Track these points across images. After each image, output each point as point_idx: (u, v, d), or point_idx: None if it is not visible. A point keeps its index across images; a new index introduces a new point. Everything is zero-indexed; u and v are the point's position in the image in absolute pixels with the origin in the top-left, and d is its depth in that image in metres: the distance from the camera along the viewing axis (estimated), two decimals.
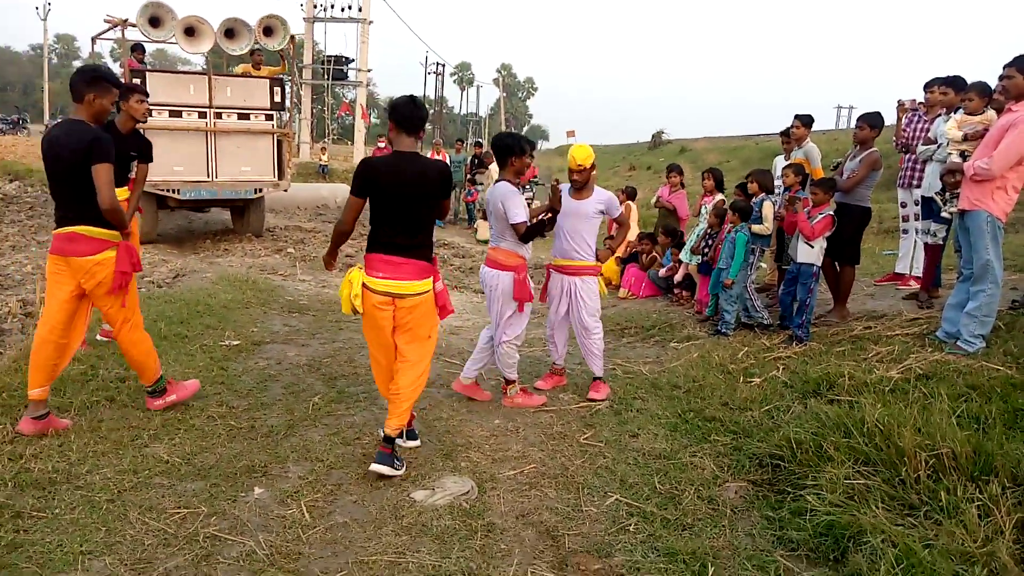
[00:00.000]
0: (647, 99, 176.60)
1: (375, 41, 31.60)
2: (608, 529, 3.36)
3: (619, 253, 8.67)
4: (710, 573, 2.97)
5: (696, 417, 4.58)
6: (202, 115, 10.79)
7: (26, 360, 4.10)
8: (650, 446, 4.23)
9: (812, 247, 5.78)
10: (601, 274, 5.21)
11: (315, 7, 27.51)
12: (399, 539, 3.17)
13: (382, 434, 3.81)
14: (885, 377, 4.53)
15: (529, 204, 16.02)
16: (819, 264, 5.83)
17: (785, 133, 7.51)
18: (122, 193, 5.23)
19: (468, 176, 15.50)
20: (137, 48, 11.48)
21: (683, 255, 7.77)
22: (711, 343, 6.09)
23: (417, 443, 4.15)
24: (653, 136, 40.09)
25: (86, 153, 3.73)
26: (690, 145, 34.86)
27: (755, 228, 6.28)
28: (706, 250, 7.05)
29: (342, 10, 27.28)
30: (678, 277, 7.86)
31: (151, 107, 10.44)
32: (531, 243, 4.72)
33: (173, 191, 10.14)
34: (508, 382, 4.96)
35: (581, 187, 4.99)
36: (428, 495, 3.57)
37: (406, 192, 3.64)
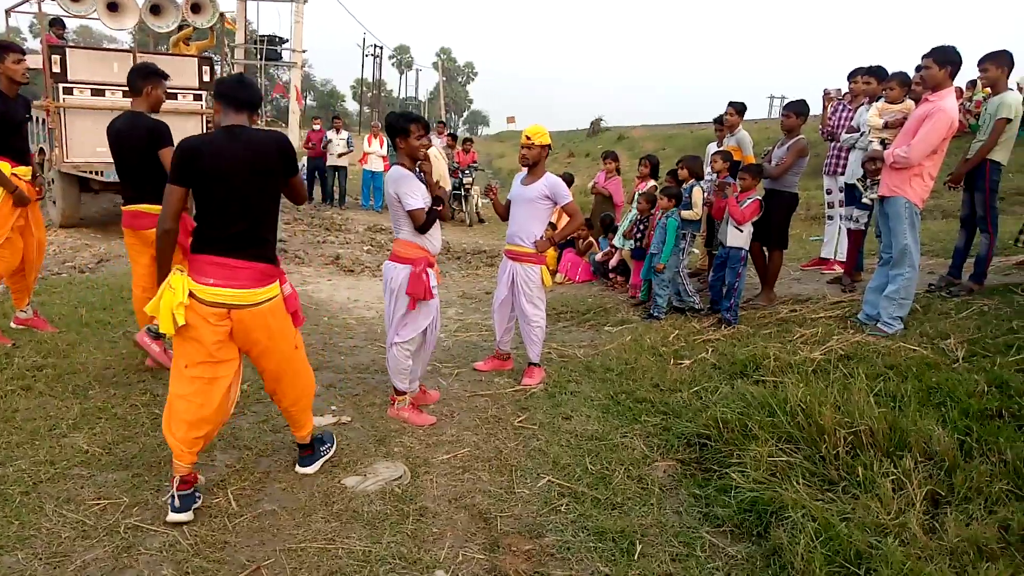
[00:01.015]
0: (587, 87, 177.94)
1: (310, 21, 30.95)
2: (540, 510, 3.39)
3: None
4: (638, 550, 3.04)
5: (628, 399, 4.65)
6: (126, 94, 10.37)
7: None
8: (583, 428, 4.28)
9: (741, 231, 5.92)
10: (546, 264, 5.09)
11: None
12: (329, 526, 3.14)
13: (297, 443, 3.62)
14: (808, 358, 4.68)
15: (468, 189, 15.86)
16: (747, 248, 5.98)
17: (718, 121, 7.65)
18: (24, 172, 5.02)
19: None
20: (56, 23, 10.98)
21: (616, 240, 7.86)
22: (644, 327, 6.19)
23: (312, 469, 3.61)
24: (592, 123, 40.32)
25: (149, 141, 4.40)
26: (628, 133, 35.15)
27: (685, 214, 6.39)
28: (638, 235, 7.15)
29: None
30: (613, 262, 7.95)
31: (72, 85, 10.02)
32: (438, 234, 4.28)
33: (96, 173, 9.74)
34: (397, 392, 4.41)
35: (531, 167, 4.91)
36: (359, 481, 3.54)
37: (236, 172, 2.96)
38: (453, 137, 16.40)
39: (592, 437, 4.15)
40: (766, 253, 6.39)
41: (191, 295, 2.98)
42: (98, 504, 3.16)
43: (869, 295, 5.36)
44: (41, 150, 10.82)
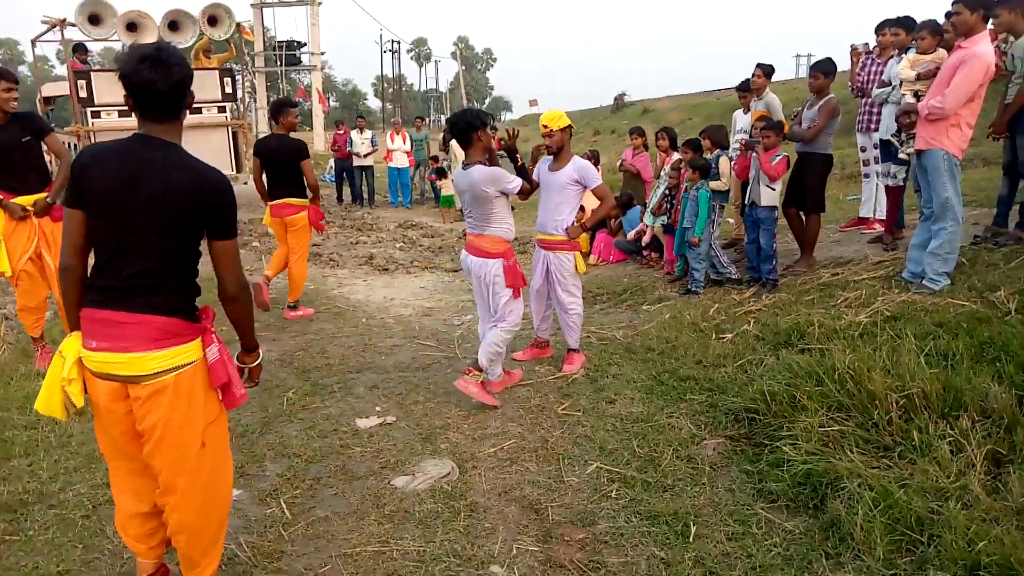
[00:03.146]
0: (608, 62, 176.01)
1: (327, 23, 31.08)
2: (590, 497, 3.37)
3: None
4: (693, 532, 3.01)
5: (671, 378, 4.60)
6: None
7: None
8: (627, 411, 4.24)
9: (773, 189, 5.82)
10: (580, 250, 5.06)
11: None
12: (382, 528, 3.16)
13: None
14: (854, 322, 4.57)
15: None
16: (779, 207, 5.89)
17: (741, 87, 7.48)
18: (25, 201, 4.81)
19: (431, 155, 15.36)
20: (79, 48, 11.19)
21: (646, 217, 7.77)
22: (682, 303, 6.11)
23: None
24: (616, 98, 39.93)
25: (296, 155, 6.24)
26: (652, 105, 34.76)
27: (713, 184, 6.28)
28: (668, 210, 7.06)
29: None
30: (646, 239, 7.86)
31: (99, 108, 10.23)
32: (513, 221, 4.53)
33: None
34: (476, 368, 4.48)
35: (556, 154, 4.87)
36: (408, 481, 3.56)
37: (132, 195, 2.17)
38: None
39: (638, 419, 4.11)
40: (803, 218, 6.26)
41: (83, 366, 2.25)
42: None
43: (912, 252, 5.21)
44: None
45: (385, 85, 61.77)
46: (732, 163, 6.42)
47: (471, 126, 4.31)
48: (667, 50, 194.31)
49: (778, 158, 5.79)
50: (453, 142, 14.12)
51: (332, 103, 67.25)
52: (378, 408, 4.52)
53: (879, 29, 6.66)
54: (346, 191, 15.57)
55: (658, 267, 7.60)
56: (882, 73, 6.50)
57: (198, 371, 2.32)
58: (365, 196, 15.30)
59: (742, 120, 7.37)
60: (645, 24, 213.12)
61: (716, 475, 3.50)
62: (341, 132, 15.19)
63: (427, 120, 18.20)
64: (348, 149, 14.71)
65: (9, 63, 78.41)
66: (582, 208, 5.09)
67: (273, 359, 5.44)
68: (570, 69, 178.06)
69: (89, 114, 10.16)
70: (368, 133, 15.27)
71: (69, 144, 11.03)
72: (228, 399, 2.44)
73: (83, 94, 10.13)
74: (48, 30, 10.62)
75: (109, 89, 10.31)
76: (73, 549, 3.00)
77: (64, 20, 10.17)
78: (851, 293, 5.20)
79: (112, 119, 10.27)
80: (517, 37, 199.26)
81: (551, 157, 4.94)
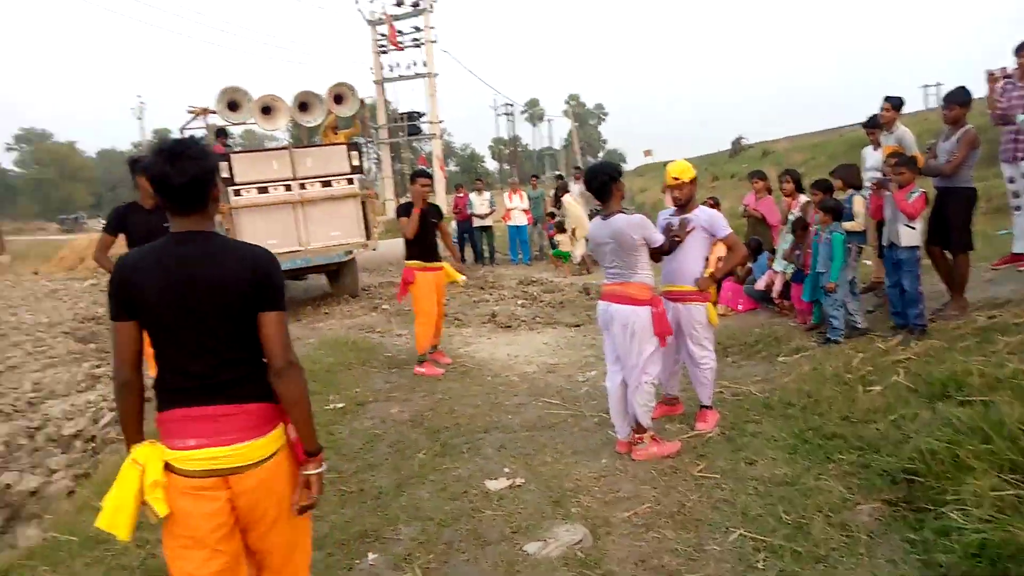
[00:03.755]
0: (722, 106, 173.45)
1: (444, 92, 32.47)
2: (735, 568, 3.18)
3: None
4: None
5: (816, 436, 4.31)
6: (288, 188, 11.25)
7: None
8: (770, 472, 4.00)
9: (914, 228, 5.46)
10: (711, 301, 4.91)
11: (383, 69, 28.55)
12: None
13: None
14: (1019, 370, 4.15)
15: None
16: (921, 246, 5.52)
17: (870, 124, 7.12)
18: None
19: (548, 210, 15.54)
20: (221, 133, 12.17)
21: (776, 263, 7.46)
22: (822, 353, 5.77)
23: None
24: (733, 143, 39.19)
25: (438, 217, 6.88)
26: (772, 147, 33.82)
27: (848, 225, 5.96)
28: (798, 255, 6.75)
29: (408, 67, 28.21)
30: (777, 287, 7.54)
31: (240, 186, 11.03)
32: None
33: None
34: (640, 430, 4.48)
35: (683, 205, 4.81)
36: (540, 547, 3.48)
37: (189, 297, 2.16)
38: None
39: (782, 482, 3.86)
40: (949, 257, 5.82)
41: (168, 469, 2.18)
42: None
43: None
44: None
45: (501, 147, 63.56)
46: (866, 202, 6.08)
47: (611, 178, 4.39)
48: (784, 90, 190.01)
49: (915, 195, 5.44)
50: (566, 197, 14.24)
51: (452, 167, 69.77)
52: (507, 469, 4.48)
53: (1019, 51, 6.21)
54: (468, 252, 15.96)
55: (792, 315, 7.25)
56: None
57: (286, 453, 2.33)
58: (486, 255, 15.61)
59: (872, 157, 7.02)
60: (759, 66, 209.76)
61: (874, 545, 3.21)
62: (461, 195, 15.66)
63: (541, 178, 18.45)
64: (468, 211, 15.12)
65: None
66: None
67: (405, 419, 5.54)
68: (683, 116, 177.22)
69: (231, 192, 10.95)
70: (486, 194, 15.66)
71: (215, 221, 11.91)
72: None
73: (225, 175, 10.96)
74: (194, 118, 11.62)
75: (248, 169, 11.11)
76: None
77: (206, 108, 11.10)
78: (1013, 337, 4.77)
79: (252, 195, 11.01)
80: (627, 89, 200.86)
81: (675, 208, 4.86)
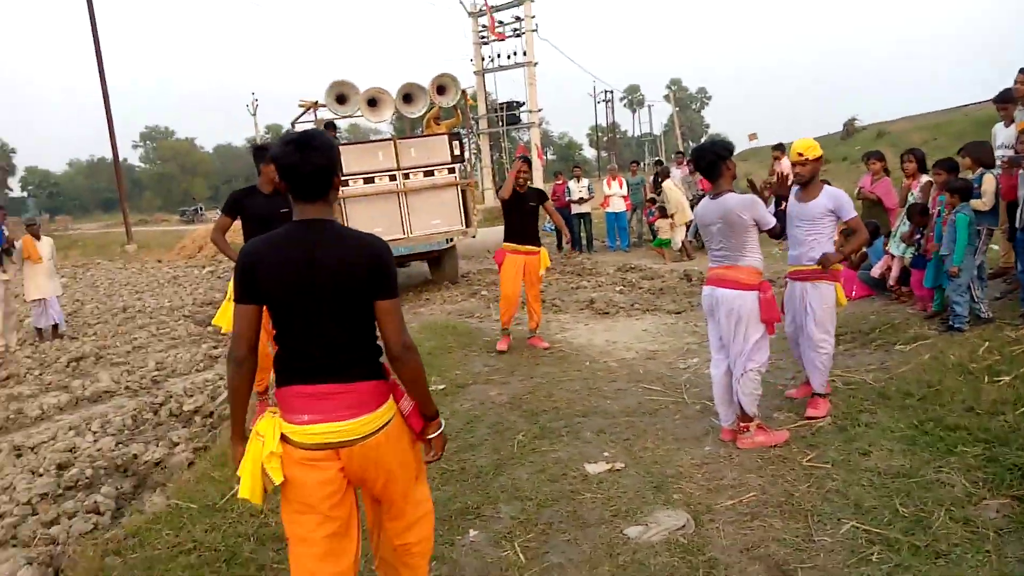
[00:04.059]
0: (833, 87, 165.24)
1: (543, 80, 32.49)
2: (847, 560, 3.03)
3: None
4: None
5: (937, 427, 4.05)
6: (392, 178, 11.54)
7: None
8: (885, 464, 3.79)
9: None
10: (840, 282, 4.75)
11: (483, 59, 28.78)
12: None
13: None
14: None
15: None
16: None
17: (999, 99, 6.58)
18: None
19: (648, 196, 15.29)
20: (330, 126, 12.58)
21: (892, 247, 7.05)
22: (943, 341, 5.43)
23: None
24: (845, 124, 37.34)
25: (539, 200, 7.14)
26: (888, 128, 32.05)
27: (975, 204, 5.56)
28: (919, 239, 6.36)
29: (508, 57, 28.32)
30: (894, 272, 7.13)
31: (347, 177, 11.40)
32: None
33: None
34: (746, 418, 4.34)
35: (806, 183, 4.66)
36: (642, 531, 3.43)
37: (309, 282, 2.29)
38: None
39: (898, 474, 3.65)
40: None
41: (284, 440, 2.32)
42: None
43: None
44: None
45: (599, 134, 63.00)
46: (997, 181, 5.65)
47: (720, 156, 4.26)
48: (900, 68, 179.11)
49: None
50: (666, 183, 13.96)
51: (550, 156, 69.73)
52: (606, 453, 4.45)
53: None
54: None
55: (911, 303, 6.84)
56: None
57: (398, 423, 2.44)
58: (584, 242, 15.53)
59: (1003, 134, 6.50)
60: (871, 44, 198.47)
61: (1002, 542, 2.99)
62: (559, 183, 15.63)
63: (641, 164, 18.15)
64: (567, 198, 15.08)
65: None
66: None
67: (504, 402, 5.59)
68: (791, 98, 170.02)
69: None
70: (585, 181, 15.56)
71: None
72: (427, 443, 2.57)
73: None
74: (304, 112, 12.07)
75: (354, 160, 11.46)
76: None
77: (316, 102, 11.50)
78: None
79: (359, 186, 11.36)
80: (731, 73, 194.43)
81: (799, 187, 4.71)
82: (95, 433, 5.77)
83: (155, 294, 15.01)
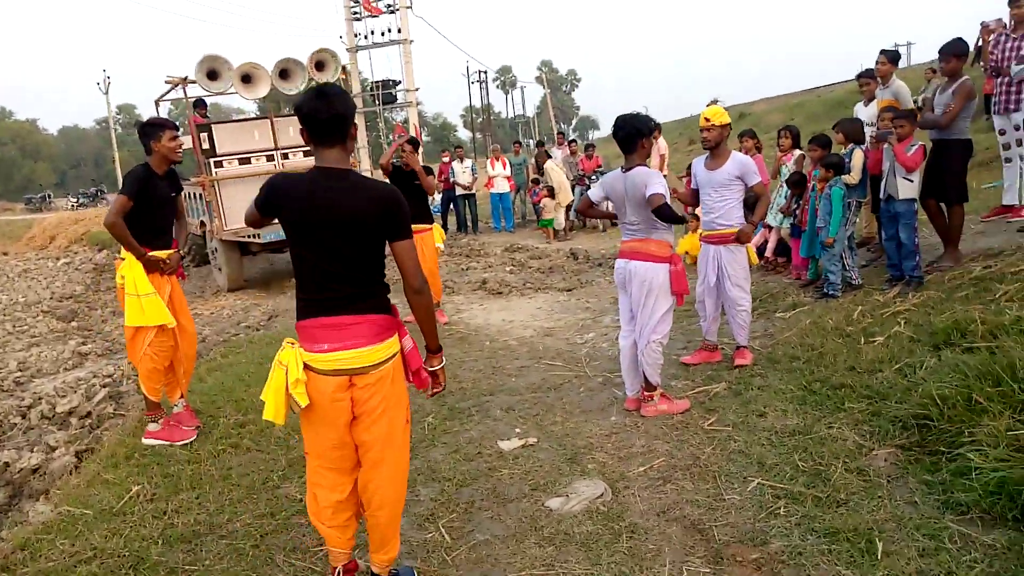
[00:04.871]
0: (697, 70, 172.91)
1: (418, 59, 31.90)
2: (757, 515, 3.21)
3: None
4: (880, 549, 2.80)
5: (824, 387, 4.36)
6: (270, 158, 11.08)
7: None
8: (781, 423, 4.04)
9: (911, 181, 5.50)
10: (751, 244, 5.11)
11: (356, 36, 27.96)
12: (544, 551, 3.10)
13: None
14: (1021, 316, 4.21)
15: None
16: (917, 199, 5.57)
17: (865, 75, 7.07)
18: (162, 254, 4.62)
19: (532, 177, 15.45)
20: (199, 104, 11.87)
21: (770, 219, 7.48)
22: (820, 307, 5.82)
23: None
24: (709, 105, 39.26)
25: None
26: (748, 109, 33.86)
27: (846, 179, 5.98)
28: (795, 211, 6.77)
29: (382, 34, 27.64)
30: (771, 244, 7.57)
31: (221, 157, 10.82)
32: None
33: (254, 236, 10.40)
34: (649, 387, 4.48)
35: (713, 148, 4.87)
36: (563, 502, 3.49)
37: (326, 224, 2.52)
38: (574, 143, 16.33)
39: (794, 432, 3.90)
40: (944, 210, 5.87)
41: (307, 368, 2.57)
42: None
43: None
44: (202, 223, 11.73)
45: (474, 115, 62.95)
46: (865, 157, 6.09)
47: (639, 132, 4.28)
48: (756, 52, 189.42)
49: (914, 148, 5.46)
50: (548, 163, 14.14)
51: (425, 137, 69.07)
52: (517, 430, 4.49)
53: (1014, 2, 6.22)
54: (451, 220, 15.85)
55: (785, 272, 7.29)
56: (1020, 48, 6.07)
57: (399, 359, 2.72)
58: (469, 223, 15.51)
59: (864, 112, 7.01)
60: (730, 28, 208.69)
61: (893, 488, 3.26)
62: (446, 162, 15.51)
63: (523, 144, 18.29)
64: (451, 179, 14.99)
65: (128, 127, 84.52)
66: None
67: (409, 386, 5.50)
68: (657, 81, 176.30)
69: (212, 164, 10.74)
70: (468, 162, 15.52)
71: (194, 194, 11.71)
72: (418, 381, 2.82)
73: (205, 146, 10.73)
74: (171, 88, 11.30)
75: (229, 139, 10.89)
76: None
77: (186, 78, 10.81)
78: (1011, 286, 4.82)
79: (233, 167, 10.82)
80: (600, 55, 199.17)
81: (707, 155, 4.95)
82: None
83: (5, 289, 13.75)
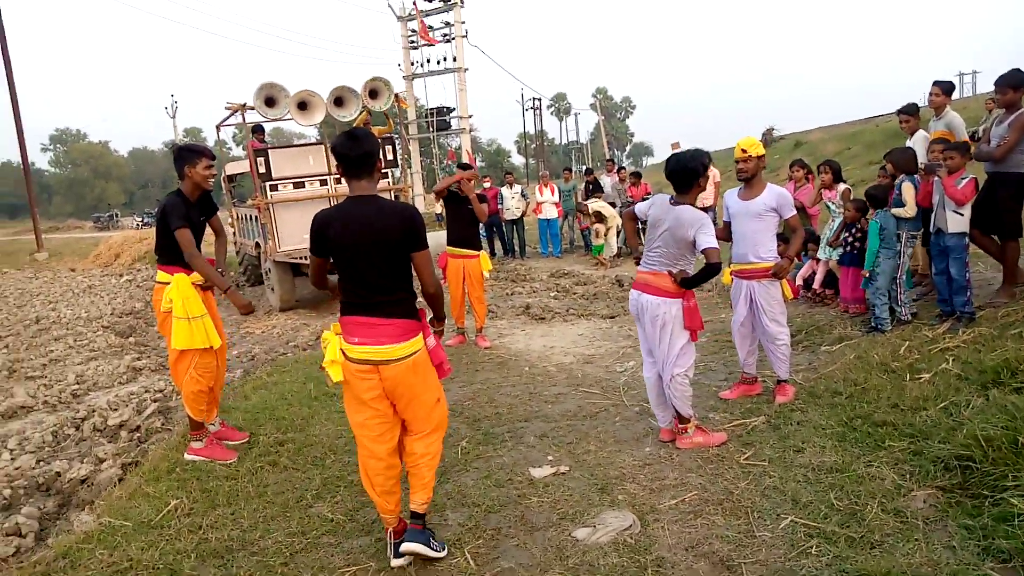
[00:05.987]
0: (753, 98, 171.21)
1: (473, 86, 32.43)
2: (788, 554, 3.14)
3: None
4: None
5: (865, 424, 4.25)
6: (323, 183, 11.34)
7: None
8: (819, 460, 3.95)
9: (961, 215, 5.36)
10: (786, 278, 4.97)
11: (412, 64, 28.59)
12: None
13: (410, 512, 3.40)
14: None
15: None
16: (968, 233, 5.42)
17: (904, 111, 6.89)
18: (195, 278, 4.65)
19: (577, 203, 15.48)
20: (257, 129, 12.25)
21: (820, 252, 7.35)
22: (867, 342, 5.68)
23: (416, 548, 3.29)
24: (763, 134, 38.60)
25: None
26: (804, 138, 33.33)
27: (896, 212, 5.84)
28: (849, 240, 6.66)
29: (438, 62, 28.20)
30: (819, 276, 7.43)
31: (276, 181, 11.13)
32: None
33: (306, 258, 10.63)
34: (682, 420, 4.43)
35: (748, 180, 4.82)
36: (590, 533, 3.47)
37: (359, 242, 3.10)
38: (623, 170, 16.31)
39: (832, 469, 3.81)
40: (999, 244, 5.69)
41: (343, 354, 3.23)
42: (348, 570, 3.32)
43: None
44: (257, 244, 12.06)
45: (528, 141, 63.41)
46: (915, 189, 5.95)
47: (696, 173, 4.22)
48: (815, 81, 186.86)
49: (964, 181, 5.32)
50: (599, 203, 14.10)
51: (479, 162, 69.83)
52: (550, 457, 4.48)
53: None
54: (498, 245, 15.96)
55: (833, 305, 7.14)
56: None
57: (424, 354, 3.28)
58: (516, 249, 15.60)
59: (925, 141, 6.84)
60: (789, 57, 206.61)
61: (931, 531, 3.15)
62: (488, 187, 15.64)
63: (572, 171, 18.31)
64: (499, 206, 15.10)
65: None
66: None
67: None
68: (712, 109, 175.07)
69: (268, 187, 11.05)
70: (517, 188, 15.64)
71: (250, 216, 12.04)
72: (441, 372, 3.40)
73: (262, 170, 11.05)
74: (231, 114, 11.70)
75: (284, 164, 11.19)
76: None
77: (244, 104, 11.18)
78: None
79: (288, 191, 11.11)
80: (655, 82, 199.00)
81: (742, 186, 4.92)
82: (12, 451, 5.47)
83: (70, 304, 14.30)
